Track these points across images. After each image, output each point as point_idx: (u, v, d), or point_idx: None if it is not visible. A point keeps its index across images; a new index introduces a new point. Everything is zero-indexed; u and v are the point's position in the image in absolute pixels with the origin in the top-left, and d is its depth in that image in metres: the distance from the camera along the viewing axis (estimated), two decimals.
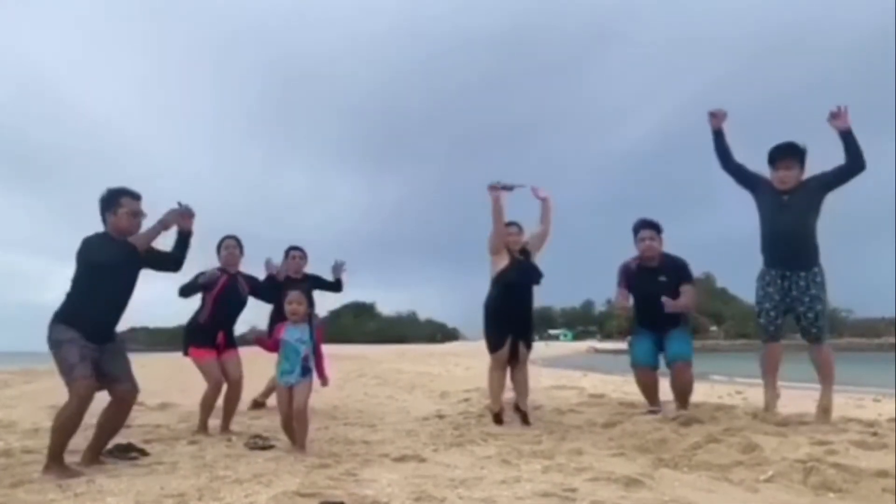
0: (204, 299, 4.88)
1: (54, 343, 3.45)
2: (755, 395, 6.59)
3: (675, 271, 4.91)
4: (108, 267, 3.54)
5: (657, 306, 4.73)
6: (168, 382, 10.02)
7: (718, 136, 4.65)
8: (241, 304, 5.03)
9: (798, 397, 5.47)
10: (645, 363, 4.99)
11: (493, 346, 4.97)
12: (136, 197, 3.74)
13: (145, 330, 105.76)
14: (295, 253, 5.99)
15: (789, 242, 4.36)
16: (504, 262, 4.99)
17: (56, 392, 8.77)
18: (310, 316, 4.06)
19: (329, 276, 6.20)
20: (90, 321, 3.48)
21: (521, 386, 5.03)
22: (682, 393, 4.87)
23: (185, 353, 4.89)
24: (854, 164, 4.22)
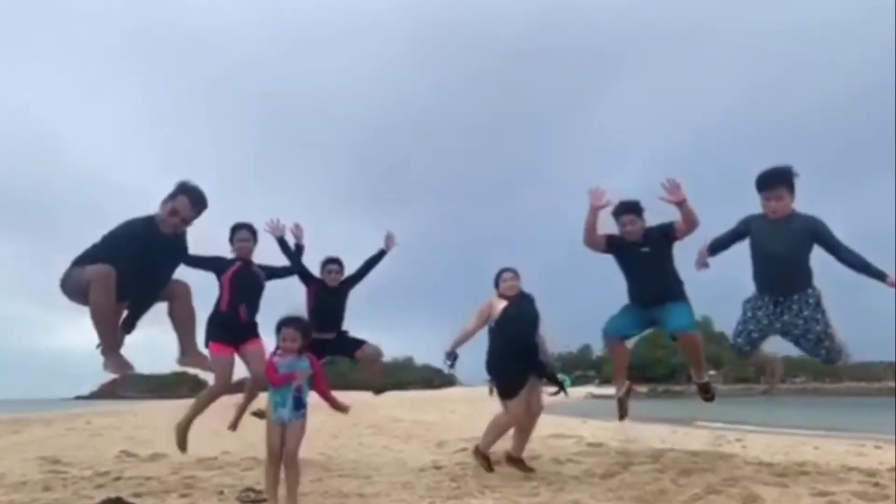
0: (221, 286, 4.86)
1: (67, 273, 3.43)
2: (755, 442, 6.53)
3: (656, 237, 4.79)
4: (133, 241, 3.54)
5: (644, 280, 4.72)
6: (159, 432, 9.86)
7: (714, 253, 4.64)
8: (259, 287, 4.99)
9: (798, 444, 5.42)
10: (617, 333, 4.87)
11: (514, 390, 4.79)
12: (194, 202, 3.70)
13: (138, 376, 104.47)
14: (332, 267, 5.71)
15: (781, 270, 4.30)
16: (501, 306, 4.96)
17: (47, 443, 8.64)
18: (305, 348, 3.98)
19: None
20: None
21: (526, 433, 4.90)
22: (695, 359, 4.76)
23: (206, 346, 4.81)
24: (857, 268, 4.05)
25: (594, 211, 4.74)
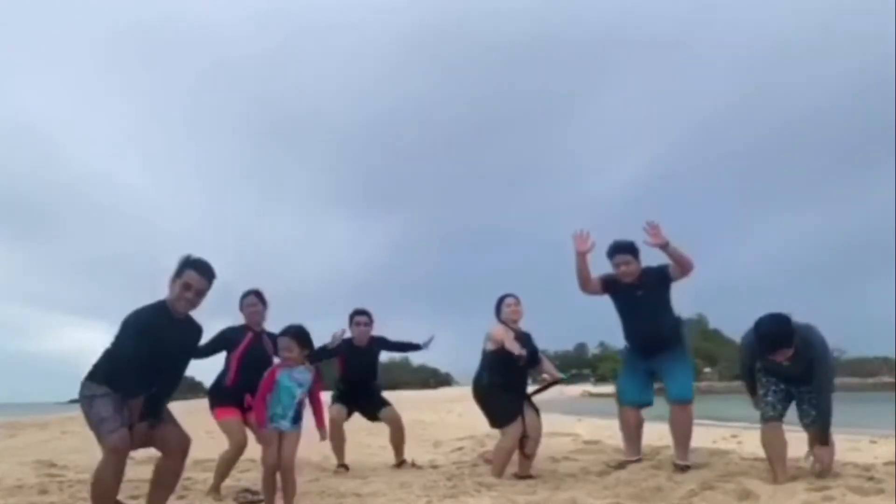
0: (227, 360, 4.65)
1: (87, 399, 3.30)
2: (750, 438, 6.55)
3: (651, 279, 4.69)
4: (148, 335, 3.30)
5: (639, 324, 4.68)
6: None
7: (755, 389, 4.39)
8: (268, 364, 4.81)
9: (792, 440, 5.44)
10: (633, 402, 4.81)
11: (509, 417, 4.67)
12: (203, 274, 3.53)
13: None
14: (360, 319, 5.56)
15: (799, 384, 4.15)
16: (511, 336, 4.79)
17: (43, 446, 8.61)
18: (309, 359, 3.96)
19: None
20: (125, 384, 3.26)
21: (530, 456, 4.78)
22: (680, 434, 4.63)
23: (211, 411, 4.66)
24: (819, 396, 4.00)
25: (582, 257, 4.68)
